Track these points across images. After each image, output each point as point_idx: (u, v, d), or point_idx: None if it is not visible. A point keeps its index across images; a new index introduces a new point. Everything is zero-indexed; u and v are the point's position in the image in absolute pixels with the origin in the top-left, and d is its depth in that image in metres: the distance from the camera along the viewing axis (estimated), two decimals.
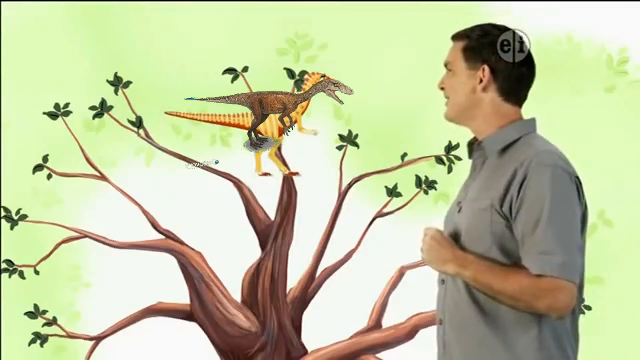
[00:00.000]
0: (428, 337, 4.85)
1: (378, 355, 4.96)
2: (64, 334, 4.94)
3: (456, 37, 2.74)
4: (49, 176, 4.91)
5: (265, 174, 4.88)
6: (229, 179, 4.92)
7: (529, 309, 2.50)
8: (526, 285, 2.48)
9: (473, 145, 2.74)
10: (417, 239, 2.73)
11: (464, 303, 2.60)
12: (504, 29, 2.69)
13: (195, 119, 4.88)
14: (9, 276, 4.90)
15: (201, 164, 4.88)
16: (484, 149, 2.67)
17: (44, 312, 4.92)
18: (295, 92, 4.84)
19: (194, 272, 4.91)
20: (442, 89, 2.74)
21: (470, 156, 2.74)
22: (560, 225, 2.48)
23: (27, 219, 4.91)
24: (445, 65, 2.73)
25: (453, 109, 2.71)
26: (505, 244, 2.55)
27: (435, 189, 4.91)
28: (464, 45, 2.69)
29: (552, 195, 2.49)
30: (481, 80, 2.66)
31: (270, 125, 4.85)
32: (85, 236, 4.91)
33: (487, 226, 2.56)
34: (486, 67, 2.66)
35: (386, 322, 4.98)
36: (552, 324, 2.56)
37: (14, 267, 4.90)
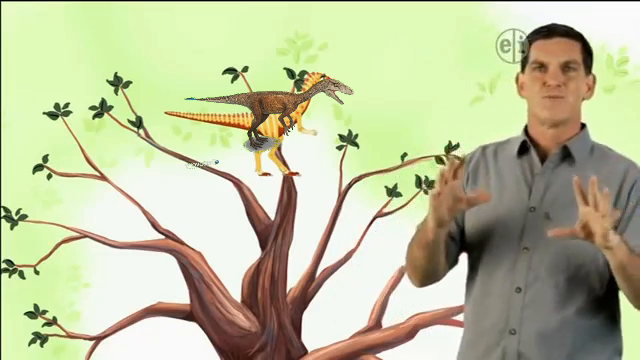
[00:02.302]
0: (428, 337, 4.85)
1: (378, 355, 4.95)
2: (64, 334, 4.94)
3: (574, 36, 2.65)
4: (49, 176, 4.91)
5: (265, 174, 4.89)
6: (229, 179, 4.92)
7: None
8: None
9: (535, 146, 2.64)
10: None
11: (553, 312, 2.53)
12: None
13: (195, 119, 4.88)
14: (9, 276, 4.91)
15: (201, 164, 4.88)
16: (568, 151, 2.61)
17: (44, 312, 4.92)
18: (295, 92, 4.84)
19: (194, 272, 4.91)
20: (558, 86, 2.58)
21: (539, 159, 2.62)
22: None
23: (27, 219, 4.91)
24: (568, 63, 2.60)
25: (571, 110, 2.61)
26: None
27: None
28: (581, 48, 2.64)
29: None
30: (589, 89, 2.66)
31: (270, 125, 4.85)
32: (85, 236, 4.91)
33: None
34: (593, 77, 2.66)
35: (386, 322, 4.97)
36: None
37: (14, 267, 4.91)
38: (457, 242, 2.70)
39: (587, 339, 2.55)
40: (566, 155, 2.62)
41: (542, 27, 2.66)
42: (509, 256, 2.57)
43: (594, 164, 2.60)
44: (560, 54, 2.60)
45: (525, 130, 2.68)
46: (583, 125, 2.69)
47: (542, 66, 2.60)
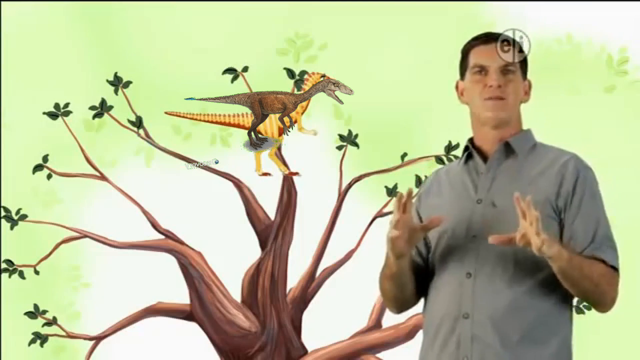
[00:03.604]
0: None
1: (378, 355, 4.96)
2: (64, 334, 4.94)
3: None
4: (49, 176, 4.91)
5: (265, 174, 4.89)
6: (229, 179, 4.93)
7: (598, 297, 2.59)
8: (605, 273, 2.58)
9: (476, 148, 2.73)
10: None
11: (504, 293, 2.58)
12: None
13: (195, 119, 4.88)
14: (9, 276, 4.91)
15: (201, 164, 4.88)
16: (509, 147, 2.68)
17: (44, 312, 4.92)
18: (295, 92, 4.84)
19: (194, 272, 4.91)
20: (499, 87, 2.67)
21: (481, 157, 2.71)
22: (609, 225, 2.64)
23: (27, 219, 4.91)
24: (507, 66, 2.69)
25: (511, 110, 2.70)
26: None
27: None
28: None
29: (600, 197, 2.64)
30: (526, 93, 2.73)
31: (270, 125, 4.85)
32: (85, 236, 4.91)
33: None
34: (529, 82, 2.74)
35: (386, 322, 4.98)
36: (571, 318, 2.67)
37: (14, 267, 4.91)
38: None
39: (539, 322, 2.58)
40: (509, 152, 2.69)
41: (480, 35, 2.75)
42: (459, 247, 2.64)
43: (536, 157, 2.68)
44: (499, 58, 2.70)
45: (471, 140, 2.77)
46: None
47: (482, 69, 2.70)
